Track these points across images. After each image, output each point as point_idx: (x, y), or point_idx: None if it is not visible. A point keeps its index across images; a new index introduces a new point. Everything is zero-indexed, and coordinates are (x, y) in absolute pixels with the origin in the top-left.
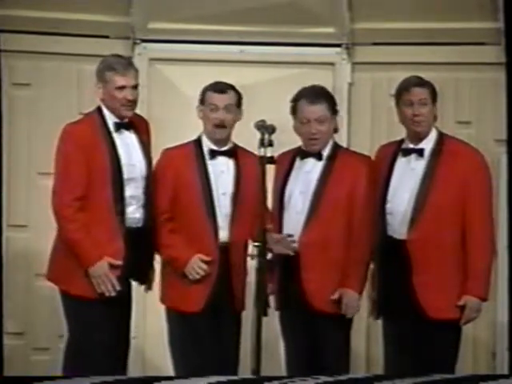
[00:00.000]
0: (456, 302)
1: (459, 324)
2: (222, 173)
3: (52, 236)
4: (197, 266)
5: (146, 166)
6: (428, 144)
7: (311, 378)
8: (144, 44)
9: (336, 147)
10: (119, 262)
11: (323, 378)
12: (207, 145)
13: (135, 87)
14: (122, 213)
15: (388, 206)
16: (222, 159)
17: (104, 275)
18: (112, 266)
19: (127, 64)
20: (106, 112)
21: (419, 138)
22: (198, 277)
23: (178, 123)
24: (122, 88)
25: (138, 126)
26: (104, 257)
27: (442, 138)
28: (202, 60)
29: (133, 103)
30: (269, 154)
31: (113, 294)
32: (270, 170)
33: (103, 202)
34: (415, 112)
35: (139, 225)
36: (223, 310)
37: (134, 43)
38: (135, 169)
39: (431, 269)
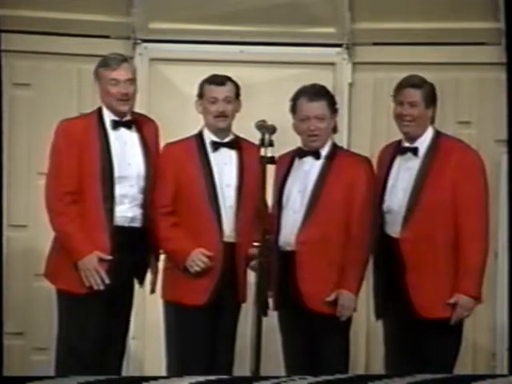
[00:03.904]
0: (448, 301)
1: (450, 323)
2: (226, 165)
3: (52, 236)
4: (197, 258)
5: (146, 166)
6: (423, 143)
7: (299, 378)
8: (145, 44)
9: (335, 147)
10: (109, 257)
11: (310, 379)
12: (209, 137)
13: (130, 81)
14: (110, 210)
15: (385, 204)
16: (224, 151)
17: (93, 268)
18: (101, 260)
19: (120, 60)
20: (104, 110)
21: (413, 137)
22: (198, 269)
23: (179, 123)
24: (115, 82)
25: (144, 126)
26: (94, 251)
27: (438, 137)
28: (202, 60)
29: (128, 97)
30: (269, 154)
31: (101, 287)
32: (271, 170)
33: (92, 198)
34: (403, 112)
35: (134, 224)
36: (225, 303)
37: (135, 43)
38: (130, 167)
39: (424, 268)
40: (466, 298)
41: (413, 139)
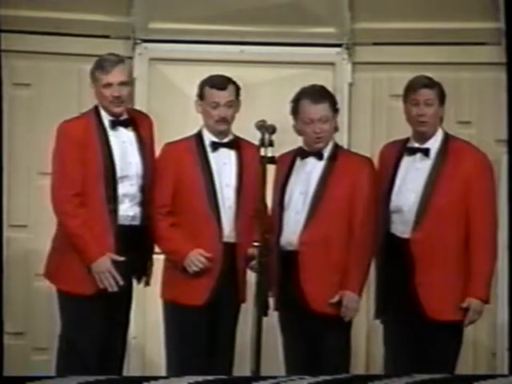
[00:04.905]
0: (457, 304)
1: (461, 326)
2: (225, 164)
3: (52, 236)
4: (196, 259)
5: (144, 164)
6: (434, 144)
7: (298, 378)
8: (144, 44)
9: (336, 148)
10: (121, 258)
11: (309, 379)
12: (208, 137)
13: (124, 84)
14: (114, 211)
15: (392, 204)
16: (223, 151)
17: (107, 271)
18: (113, 262)
19: (115, 61)
20: (101, 110)
21: (424, 137)
22: (196, 269)
23: (179, 123)
24: (108, 85)
25: (139, 123)
26: (106, 252)
27: (447, 138)
28: (202, 60)
29: (120, 100)
30: (269, 154)
31: (115, 289)
32: (271, 170)
33: (96, 199)
34: (420, 112)
35: (134, 222)
36: (225, 303)
37: (135, 43)
38: (130, 166)
39: (434, 269)
40: (478, 302)
41: (424, 139)
